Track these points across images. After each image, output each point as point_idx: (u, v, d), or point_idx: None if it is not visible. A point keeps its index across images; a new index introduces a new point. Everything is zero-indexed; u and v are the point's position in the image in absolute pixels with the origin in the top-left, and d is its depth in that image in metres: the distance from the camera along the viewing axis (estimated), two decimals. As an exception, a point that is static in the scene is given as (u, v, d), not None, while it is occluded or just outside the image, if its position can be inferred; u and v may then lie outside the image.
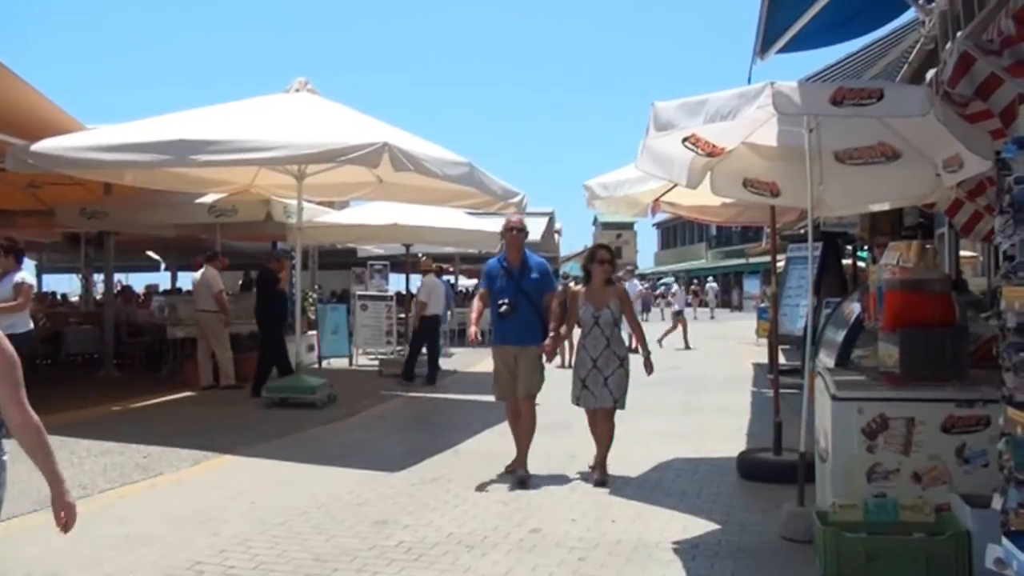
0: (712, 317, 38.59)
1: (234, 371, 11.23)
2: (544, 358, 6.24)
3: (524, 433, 6.20)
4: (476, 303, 6.51)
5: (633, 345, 6.83)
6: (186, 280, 22.56)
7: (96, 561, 4.34)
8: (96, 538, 4.70)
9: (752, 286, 41.38)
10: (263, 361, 10.68)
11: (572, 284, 12.04)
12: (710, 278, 46.93)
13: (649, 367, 6.24)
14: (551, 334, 6.19)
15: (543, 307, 6.23)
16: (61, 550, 4.50)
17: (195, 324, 11.33)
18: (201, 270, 11.46)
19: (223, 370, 11.18)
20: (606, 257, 6.27)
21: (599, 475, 6.10)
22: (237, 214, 11.64)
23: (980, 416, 4.02)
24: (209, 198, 11.77)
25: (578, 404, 6.24)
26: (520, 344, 6.15)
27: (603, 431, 6.18)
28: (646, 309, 39.77)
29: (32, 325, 8.21)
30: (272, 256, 11.73)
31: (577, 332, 6.61)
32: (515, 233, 6.32)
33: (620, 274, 18.54)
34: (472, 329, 6.18)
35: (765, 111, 4.41)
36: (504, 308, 6.12)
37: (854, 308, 5.68)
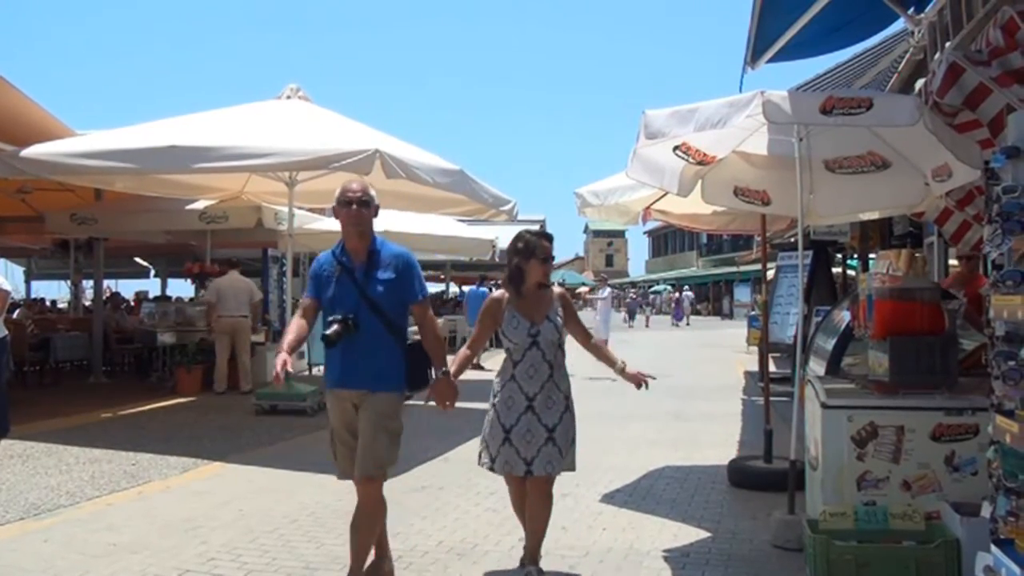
0: (687, 324, 39.46)
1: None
2: (431, 405, 4.05)
3: (362, 541, 3.88)
4: (295, 321, 4.09)
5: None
6: (176, 287, 22.54)
7: (84, 569, 4.30)
8: (84, 546, 4.68)
9: (743, 294, 41.84)
10: None
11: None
12: (686, 287, 50.39)
13: (637, 379, 4.33)
14: (443, 371, 3.96)
15: (403, 327, 3.99)
16: (49, 557, 4.47)
17: (228, 331, 11.37)
18: (228, 276, 11.57)
19: (219, 375, 11.25)
20: (549, 252, 4.24)
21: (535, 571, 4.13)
22: (228, 220, 11.62)
23: (969, 424, 4.04)
24: (200, 204, 11.75)
25: (492, 467, 4.13)
26: (365, 388, 3.85)
27: (540, 507, 4.15)
28: (631, 316, 40.32)
29: (6, 331, 8.18)
30: None
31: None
32: (354, 208, 3.91)
33: (594, 283, 18.63)
34: (280, 359, 3.76)
35: (755, 120, 4.44)
36: (333, 330, 3.78)
37: (844, 316, 5.69)
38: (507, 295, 4.22)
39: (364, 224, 3.94)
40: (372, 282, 3.87)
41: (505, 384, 4.14)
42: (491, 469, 4.17)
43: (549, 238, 4.29)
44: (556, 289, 4.34)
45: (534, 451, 4.02)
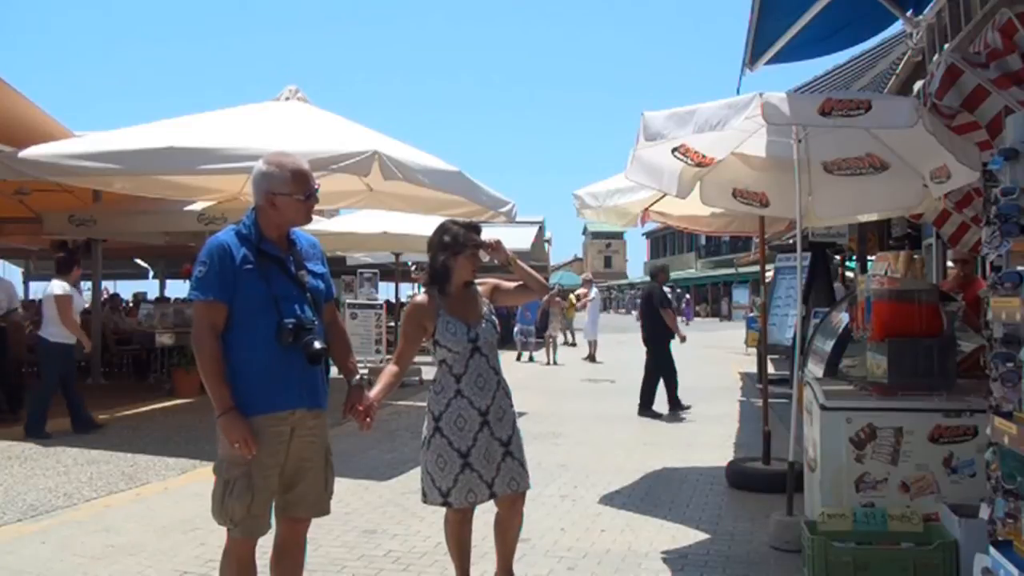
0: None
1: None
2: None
3: None
4: (210, 347, 2.98)
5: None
6: (175, 288, 22.51)
7: (82, 571, 4.30)
8: (82, 547, 4.67)
9: (741, 296, 41.89)
10: (650, 383, 10.22)
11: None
12: None
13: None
14: (356, 381, 3.29)
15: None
16: (46, 559, 4.47)
17: None
18: None
19: None
20: (479, 245, 3.70)
21: None
22: (226, 222, 11.48)
23: (967, 426, 4.04)
24: (198, 206, 11.72)
25: (447, 501, 3.63)
26: (317, 406, 3.16)
27: (516, 526, 3.92)
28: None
29: (68, 338, 8.78)
30: (658, 270, 11.46)
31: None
32: (313, 203, 3.35)
33: (580, 286, 18.61)
34: (240, 431, 2.92)
35: (754, 121, 4.44)
36: (318, 344, 3.06)
37: (842, 318, 5.69)
38: (430, 298, 3.69)
39: (306, 212, 3.35)
40: (308, 276, 3.23)
41: (450, 402, 3.58)
42: (445, 504, 3.64)
43: (478, 230, 3.74)
44: (483, 284, 3.84)
45: (494, 471, 3.63)
